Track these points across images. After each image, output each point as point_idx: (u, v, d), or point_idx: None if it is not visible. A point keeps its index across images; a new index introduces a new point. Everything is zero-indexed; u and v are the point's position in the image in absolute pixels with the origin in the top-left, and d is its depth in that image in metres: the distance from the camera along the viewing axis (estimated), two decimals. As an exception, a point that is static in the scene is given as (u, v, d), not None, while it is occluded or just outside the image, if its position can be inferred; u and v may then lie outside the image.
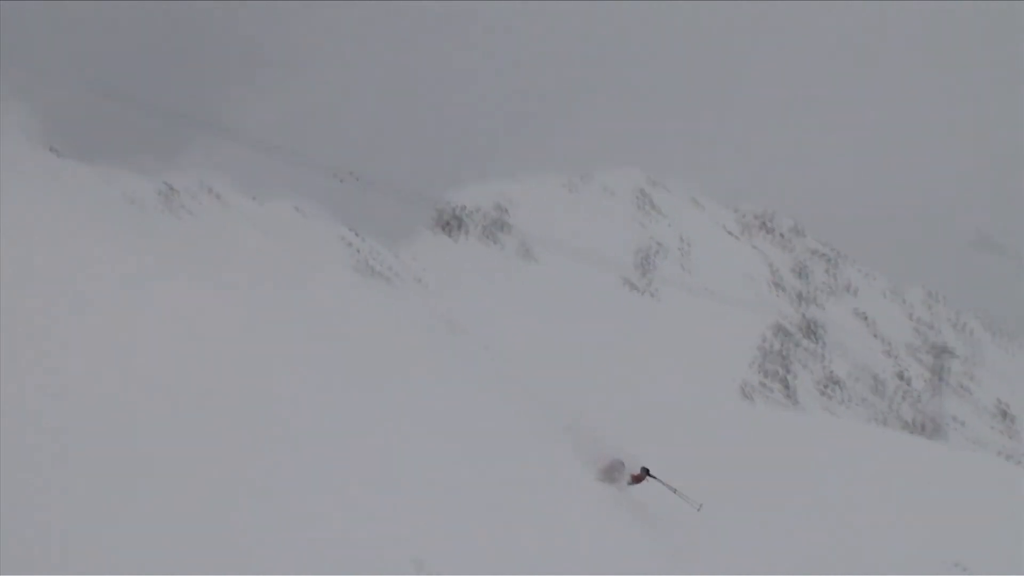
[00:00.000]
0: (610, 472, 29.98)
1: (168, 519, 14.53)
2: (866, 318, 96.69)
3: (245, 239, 49.56)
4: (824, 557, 30.23)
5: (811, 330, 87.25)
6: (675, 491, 29.44)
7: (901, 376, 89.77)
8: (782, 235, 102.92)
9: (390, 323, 54.39)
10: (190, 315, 21.84)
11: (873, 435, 51.98)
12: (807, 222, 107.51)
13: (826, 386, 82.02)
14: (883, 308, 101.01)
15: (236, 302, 25.26)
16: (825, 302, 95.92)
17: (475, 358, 56.41)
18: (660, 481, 29.45)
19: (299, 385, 21.88)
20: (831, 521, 33.66)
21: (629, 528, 27.58)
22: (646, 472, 29.85)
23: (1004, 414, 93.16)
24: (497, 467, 25.77)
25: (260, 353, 21.85)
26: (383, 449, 22.35)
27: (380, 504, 18.94)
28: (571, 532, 23.34)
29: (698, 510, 28.49)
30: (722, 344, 76.58)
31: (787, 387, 77.83)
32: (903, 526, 34.63)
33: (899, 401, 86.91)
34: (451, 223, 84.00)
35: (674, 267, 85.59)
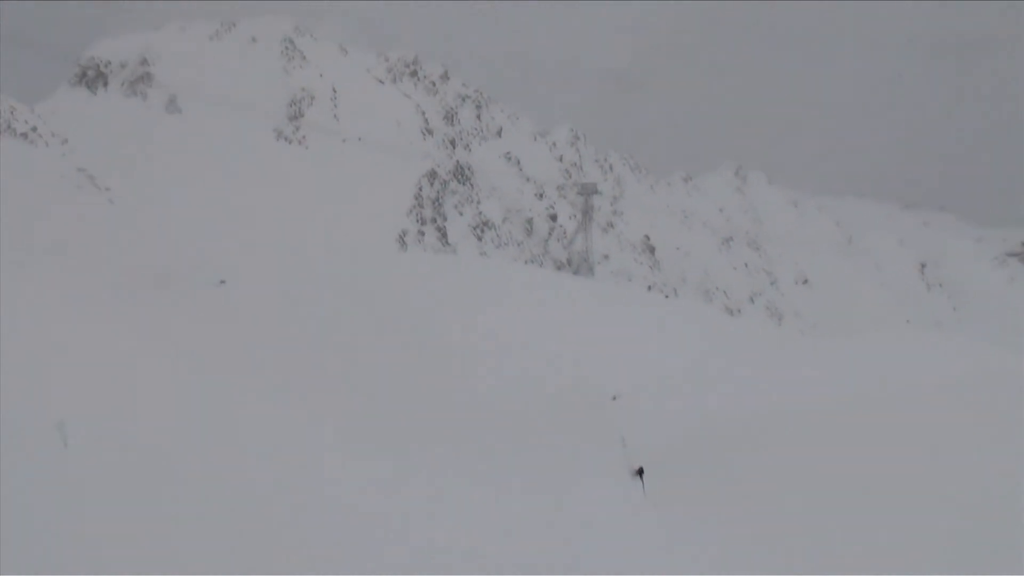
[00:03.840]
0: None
1: None
2: (514, 160, 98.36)
3: None
4: (486, 391, 30.40)
5: (462, 175, 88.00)
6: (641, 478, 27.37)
7: (551, 216, 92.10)
8: (431, 81, 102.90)
9: (23, 178, 51.39)
10: None
11: (527, 274, 52.80)
12: (454, 66, 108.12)
13: (478, 228, 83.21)
14: (531, 150, 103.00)
15: None
16: (475, 146, 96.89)
17: (107, 210, 54.11)
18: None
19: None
20: (490, 361, 33.90)
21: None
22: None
23: (648, 248, 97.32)
24: (127, 317, 24.71)
25: None
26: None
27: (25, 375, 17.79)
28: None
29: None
30: (377, 193, 76.25)
31: (442, 232, 78.44)
32: (563, 360, 35.25)
33: (550, 240, 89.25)
34: (91, 77, 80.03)
35: (324, 116, 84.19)
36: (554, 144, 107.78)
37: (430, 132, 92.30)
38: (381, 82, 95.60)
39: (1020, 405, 29.85)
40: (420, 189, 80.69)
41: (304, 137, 79.34)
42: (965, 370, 32.94)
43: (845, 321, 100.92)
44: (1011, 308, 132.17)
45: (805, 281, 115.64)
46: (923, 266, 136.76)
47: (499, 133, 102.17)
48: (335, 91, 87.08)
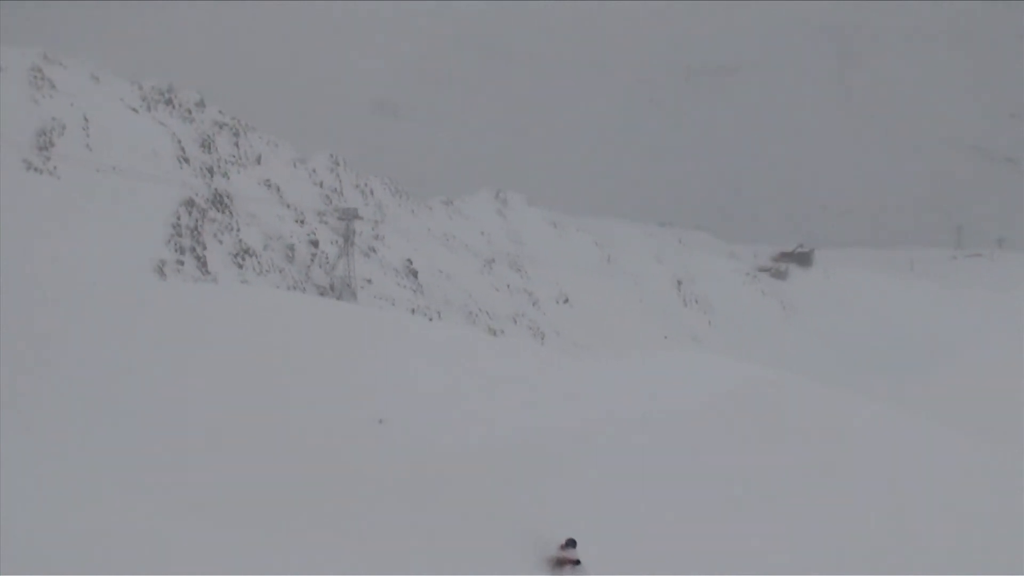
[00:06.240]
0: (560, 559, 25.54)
1: None
2: (274, 187, 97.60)
3: None
4: (253, 417, 30.24)
5: (221, 202, 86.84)
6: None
7: (312, 242, 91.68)
8: (186, 109, 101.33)
9: None
10: None
11: (286, 300, 52.56)
12: (211, 95, 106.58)
13: (238, 255, 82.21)
14: (290, 176, 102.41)
15: None
16: (233, 173, 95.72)
17: None
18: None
19: None
20: (256, 388, 33.67)
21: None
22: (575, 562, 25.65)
23: (411, 271, 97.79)
24: None
25: None
26: None
27: None
28: None
29: None
30: (133, 223, 74.59)
31: (201, 261, 77.22)
32: (326, 383, 35.23)
33: (312, 267, 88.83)
34: None
35: (76, 145, 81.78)
36: (314, 170, 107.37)
37: (187, 160, 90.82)
38: (135, 110, 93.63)
39: (780, 417, 31.63)
40: (178, 218, 79.29)
41: (55, 167, 76.91)
42: (728, 387, 34.59)
43: (605, 338, 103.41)
44: (761, 321, 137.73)
45: (566, 300, 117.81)
46: (679, 283, 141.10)
47: (258, 160, 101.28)
48: (87, 120, 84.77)
